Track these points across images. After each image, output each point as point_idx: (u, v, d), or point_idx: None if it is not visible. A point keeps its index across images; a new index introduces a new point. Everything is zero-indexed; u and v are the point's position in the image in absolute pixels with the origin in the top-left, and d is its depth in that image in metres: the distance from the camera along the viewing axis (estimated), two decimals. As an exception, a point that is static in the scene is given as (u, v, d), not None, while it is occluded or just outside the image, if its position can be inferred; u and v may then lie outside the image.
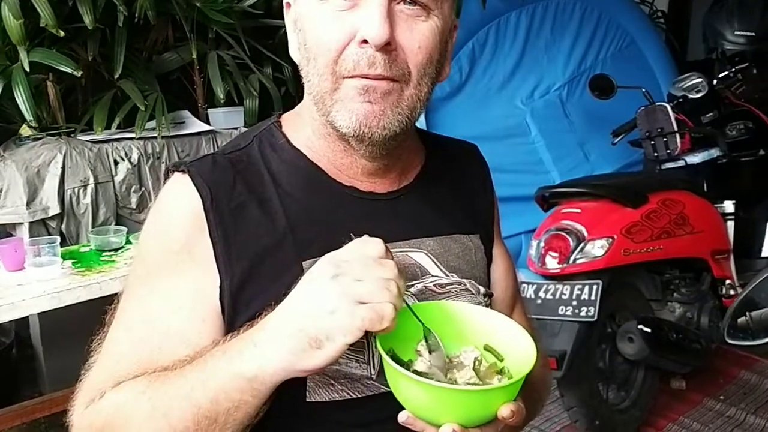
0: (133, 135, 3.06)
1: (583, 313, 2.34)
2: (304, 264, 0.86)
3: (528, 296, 2.45)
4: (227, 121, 3.43)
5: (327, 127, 0.88)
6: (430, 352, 0.78)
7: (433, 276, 0.93)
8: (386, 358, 0.72)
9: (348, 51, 0.82)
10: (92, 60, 3.10)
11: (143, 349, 0.83)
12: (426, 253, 0.94)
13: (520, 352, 0.78)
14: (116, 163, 2.99)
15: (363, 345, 0.86)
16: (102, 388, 0.82)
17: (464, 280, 0.96)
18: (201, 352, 0.79)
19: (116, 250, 2.65)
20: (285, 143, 0.94)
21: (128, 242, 2.68)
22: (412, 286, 0.91)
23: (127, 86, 3.09)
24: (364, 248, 0.73)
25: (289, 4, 0.90)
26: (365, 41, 0.80)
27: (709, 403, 2.85)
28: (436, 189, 0.92)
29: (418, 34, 0.83)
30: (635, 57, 3.99)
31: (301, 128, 0.94)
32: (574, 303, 2.37)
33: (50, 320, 2.84)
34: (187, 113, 3.43)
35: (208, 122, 3.43)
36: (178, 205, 0.88)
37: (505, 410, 0.71)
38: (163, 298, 0.85)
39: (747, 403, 2.84)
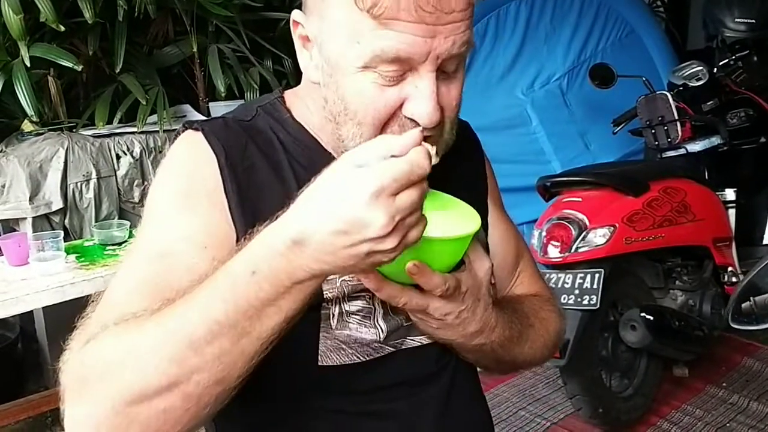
0: (134, 129, 3.07)
1: (585, 302, 2.35)
2: None
3: (530, 285, 2.45)
4: (228, 114, 3.43)
5: (344, 146, 0.86)
6: None
7: None
8: None
9: (396, 120, 0.82)
10: (93, 54, 3.12)
11: (154, 282, 0.77)
12: None
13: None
14: (118, 157, 3.00)
15: (371, 311, 0.89)
16: (106, 323, 0.73)
17: None
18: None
19: (120, 244, 2.66)
20: (290, 118, 0.94)
21: (131, 236, 2.69)
22: None
23: (128, 80, 3.10)
24: (386, 144, 0.65)
25: (297, 23, 0.86)
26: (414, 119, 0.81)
27: (711, 390, 2.86)
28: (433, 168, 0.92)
29: (454, 91, 0.84)
30: (635, 46, 3.98)
31: (307, 112, 0.94)
32: (577, 291, 2.38)
33: (55, 315, 2.85)
34: (188, 107, 3.45)
35: (208, 116, 3.44)
36: (194, 155, 0.86)
37: (410, 264, 0.74)
38: (177, 231, 0.81)
39: (750, 390, 2.85)
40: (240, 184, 0.86)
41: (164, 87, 3.23)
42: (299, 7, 0.88)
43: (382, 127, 0.82)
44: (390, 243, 0.63)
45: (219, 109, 3.45)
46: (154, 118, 3.13)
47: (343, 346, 0.87)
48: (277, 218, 0.68)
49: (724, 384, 2.89)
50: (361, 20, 0.76)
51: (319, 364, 0.87)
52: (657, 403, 2.75)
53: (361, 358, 0.89)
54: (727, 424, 2.65)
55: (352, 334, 0.88)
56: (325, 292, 0.85)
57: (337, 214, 0.62)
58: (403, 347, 0.91)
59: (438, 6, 0.75)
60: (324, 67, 0.83)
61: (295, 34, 0.87)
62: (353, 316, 0.88)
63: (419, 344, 0.92)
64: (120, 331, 0.71)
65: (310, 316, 0.81)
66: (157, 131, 3.09)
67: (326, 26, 0.81)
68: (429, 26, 0.76)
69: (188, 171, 0.87)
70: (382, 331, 0.89)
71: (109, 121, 3.10)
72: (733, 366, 3.01)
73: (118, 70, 3.07)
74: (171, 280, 0.77)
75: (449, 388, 0.95)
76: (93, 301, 0.82)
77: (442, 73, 0.81)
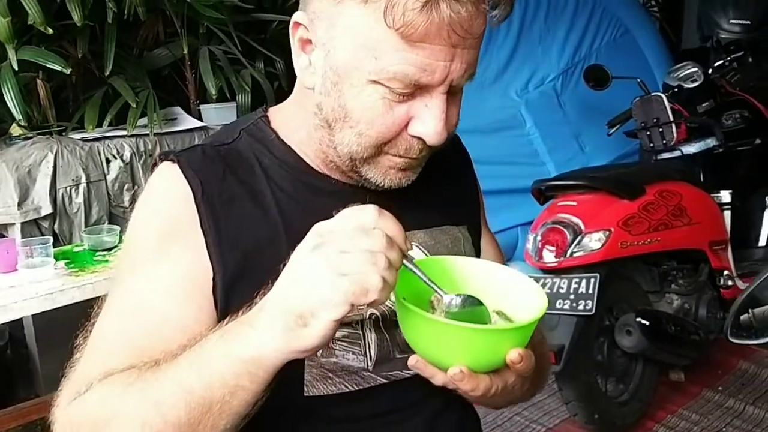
0: (124, 132, 3.03)
1: (581, 307, 2.33)
2: None
3: (525, 290, 2.43)
4: (219, 117, 3.40)
5: (335, 152, 0.86)
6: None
7: (423, 258, 0.93)
8: (398, 298, 0.71)
9: (400, 138, 0.82)
10: (82, 57, 3.08)
11: (135, 336, 0.79)
12: (417, 246, 0.94)
13: (529, 303, 0.77)
14: (108, 161, 2.97)
15: (359, 337, 0.86)
16: (89, 380, 0.77)
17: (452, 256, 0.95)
18: (195, 339, 0.75)
19: (109, 249, 2.63)
20: (275, 139, 0.92)
21: (121, 241, 2.65)
22: None
23: (118, 83, 3.06)
24: (352, 217, 0.68)
25: (298, 25, 0.83)
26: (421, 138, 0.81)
27: (708, 394, 2.85)
28: (423, 180, 0.90)
29: (456, 109, 0.84)
30: (630, 46, 3.96)
31: (293, 128, 0.92)
32: (572, 297, 2.35)
33: (45, 321, 2.82)
34: (178, 109, 3.41)
35: (200, 118, 3.41)
36: (169, 193, 0.86)
37: (513, 354, 0.70)
38: (156, 283, 0.82)
39: (746, 393, 2.83)
40: (218, 219, 0.84)
41: (155, 89, 3.19)
42: (293, 8, 0.85)
43: (387, 142, 0.82)
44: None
45: (210, 111, 3.42)
46: (144, 121, 3.09)
47: (330, 375, 0.85)
48: (260, 297, 0.71)
49: (720, 388, 2.88)
50: (385, 37, 0.74)
51: (305, 394, 0.84)
52: (653, 408, 2.73)
53: (350, 387, 0.86)
54: (723, 429, 2.64)
55: (339, 362, 0.85)
56: None
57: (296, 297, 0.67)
58: (397, 379, 0.89)
59: (470, 30, 0.75)
60: (327, 74, 0.81)
61: (294, 37, 0.84)
62: (339, 342, 0.85)
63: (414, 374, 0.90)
64: (106, 395, 0.73)
65: None
66: (148, 134, 3.05)
67: (338, 33, 0.78)
68: (451, 49, 0.75)
69: (164, 211, 0.85)
70: (371, 359, 0.87)
71: (99, 124, 3.06)
72: (729, 369, 2.99)
73: (107, 73, 3.03)
74: (151, 333, 0.79)
75: (442, 410, 0.93)
76: (83, 339, 0.84)
77: (453, 90, 0.81)
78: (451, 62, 0.76)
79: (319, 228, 0.68)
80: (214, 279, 0.83)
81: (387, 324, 0.87)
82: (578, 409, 2.51)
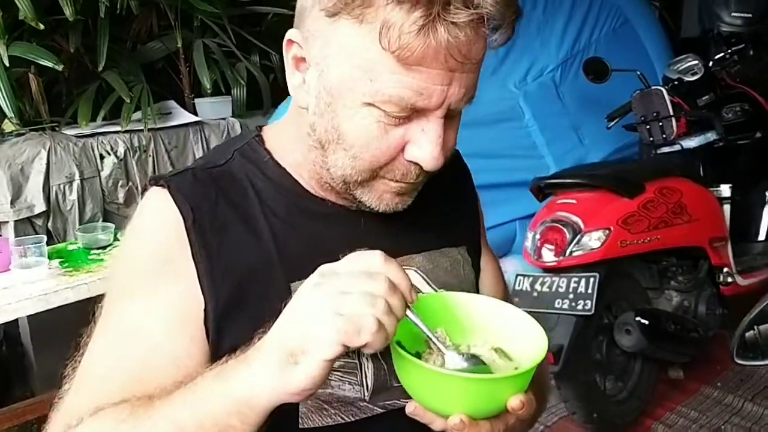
0: (118, 128, 3.00)
1: (580, 307, 2.31)
2: (293, 286, 0.82)
3: (524, 289, 2.41)
4: (215, 111, 3.37)
5: (329, 173, 0.83)
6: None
7: (423, 294, 0.90)
8: (394, 346, 0.69)
9: (396, 162, 0.80)
10: (75, 51, 3.04)
11: (126, 368, 0.78)
12: (416, 270, 0.92)
13: (530, 344, 0.75)
14: (102, 157, 2.93)
15: (355, 366, 0.84)
16: (80, 414, 0.75)
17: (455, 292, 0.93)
18: (190, 376, 0.74)
19: (104, 247, 2.60)
20: (270, 161, 0.89)
21: (116, 239, 2.63)
22: None
23: (111, 77, 3.02)
24: (358, 260, 0.67)
25: (291, 43, 0.80)
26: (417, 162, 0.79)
27: (706, 390, 2.84)
28: (422, 201, 0.88)
29: (454, 133, 0.82)
30: (629, 36, 3.92)
31: (288, 149, 0.89)
32: (571, 296, 2.33)
33: (40, 319, 2.79)
34: (173, 103, 3.38)
35: (195, 112, 3.37)
36: (159, 221, 0.83)
37: (514, 401, 0.68)
38: (146, 314, 0.80)
39: (744, 390, 2.82)
40: (210, 246, 0.81)
41: (149, 83, 3.14)
42: (286, 7, 0.82)
43: (382, 167, 0.80)
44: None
45: (205, 105, 3.38)
46: (138, 115, 3.05)
47: (326, 406, 0.83)
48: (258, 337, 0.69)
49: (718, 384, 2.87)
50: (380, 59, 0.72)
51: (300, 426, 0.82)
52: (651, 406, 2.72)
53: (346, 418, 0.84)
54: (722, 426, 2.63)
55: (335, 392, 0.83)
56: None
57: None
58: (394, 408, 0.86)
59: (468, 55, 0.72)
60: (321, 95, 0.78)
61: (288, 55, 0.81)
62: (335, 372, 0.83)
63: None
64: (97, 430, 0.72)
65: None
66: (142, 130, 3.02)
67: (332, 53, 0.76)
68: (449, 73, 0.73)
69: (153, 239, 0.83)
70: (368, 389, 0.85)
71: (93, 119, 3.02)
72: (727, 366, 2.98)
73: (101, 68, 2.99)
74: (141, 366, 0.77)
75: None
76: (71, 369, 0.83)
77: (450, 115, 0.78)
78: (449, 86, 0.74)
79: (324, 269, 0.67)
80: (205, 309, 0.80)
81: (384, 352, 0.85)
82: (577, 408, 2.50)
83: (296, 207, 0.88)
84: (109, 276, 0.88)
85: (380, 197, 0.83)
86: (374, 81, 0.73)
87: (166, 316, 0.80)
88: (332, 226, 0.88)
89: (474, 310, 0.80)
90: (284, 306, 0.68)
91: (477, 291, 1.01)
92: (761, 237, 3.16)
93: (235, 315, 0.81)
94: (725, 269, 2.78)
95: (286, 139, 0.89)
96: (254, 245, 0.84)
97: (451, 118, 0.79)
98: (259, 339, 0.69)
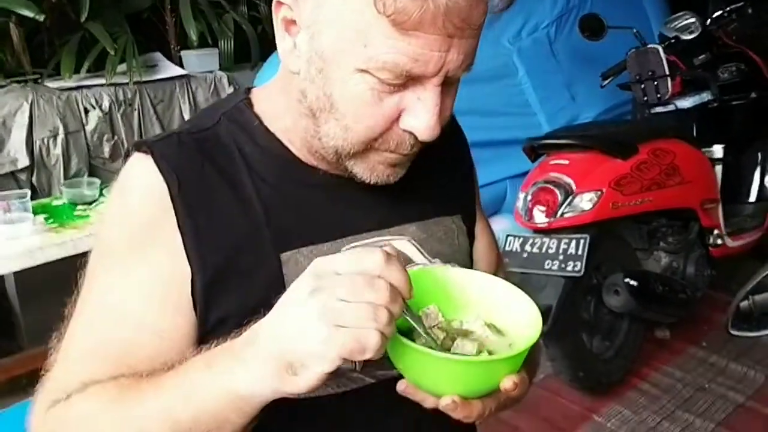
0: (103, 81, 2.93)
1: (569, 268, 2.30)
2: (283, 256, 0.80)
3: (514, 250, 2.40)
4: (201, 63, 3.29)
5: (320, 143, 0.80)
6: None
7: (417, 264, 0.89)
8: None
9: (391, 132, 0.76)
10: (57, 1, 2.94)
11: (112, 343, 0.76)
12: (409, 240, 0.89)
13: (523, 321, 0.74)
14: (86, 111, 2.88)
15: None
16: (66, 389, 0.74)
17: (448, 265, 0.91)
18: (179, 360, 0.72)
19: (90, 203, 2.56)
20: (258, 125, 0.85)
21: (102, 195, 2.59)
22: None
23: (94, 28, 2.94)
24: (357, 260, 0.62)
25: (281, 4, 0.76)
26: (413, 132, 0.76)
27: (691, 350, 2.87)
28: (416, 169, 0.85)
29: (451, 101, 0.79)
30: (625, -10, 3.85)
31: (278, 114, 0.85)
32: (561, 257, 2.33)
33: (26, 275, 2.77)
34: (159, 56, 3.30)
35: (181, 65, 3.30)
36: (142, 190, 0.80)
37: (507, 382, 0.67)
38: (131, 287, 0.78)
39: (728, 350, 2.85)
40: (196, 216, 0.78)
41: (134, 34, 3.06)
42: None
43: (377, 138, 0.76)
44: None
45: (191, 57, 3.31)
46: (123, 67, 2.98)
47: None
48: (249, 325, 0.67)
49: (704, 344, 2.90)
50: (375, 23, 0.68)
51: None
52: (637, 365, 2.75)
53: (338, 389, 0.83)
54: (707, 385, 2.67)
55: None
56: None
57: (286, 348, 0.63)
58: (386, 377, 0.85)
59: (468, 20, 0.68)
60: (313, 59, 0.74)
61: (278, 17, 0.77)
62: None
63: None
64: (86, 412, 0.71)
65: None
66: (127, 83, 2.95)
67: (324, 15, 0.72)
68: (447, 39, 0.69)
69: (137, 209, 0.80)
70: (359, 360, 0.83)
71: (76, 71, 2.95)
72: (712, 325, 3.00)
73: (84, 19, 2.90)
74: (128, 340, 0.76)
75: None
76: (57, 340, 0.81)
77: (448, 82, 0.75)
78: (447, 52, 0.70)
79: (319, 267, 0.63)
80: (193, 280, 0.78)
81: None
82: (563, 367, 2.52)
83: (286, 174, 0.84)
84: (93, 245, 0.84)
85: (372, 168, 0.80)
86: (368, 46, 0.69)
87: (151, 289, 0.77)
88: (323, 195, 0.86)
89: (467, 286, 0.79)
90: (276, 299, 0.65)
91: (471, 259, 0.99)
92: (752, 198, 3.16)
93: (223, 285, 0.78)
94: (715, 231, 2.79)
95: (276, 104, 0.85)
96: (242, 213, 0.81)
97: (448, 85, 0.75)
98: (247, 328, 0.67)
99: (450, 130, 0.99)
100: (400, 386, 0.70)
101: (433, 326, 0.73)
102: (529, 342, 0.69)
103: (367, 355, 0.61)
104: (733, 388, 2.64)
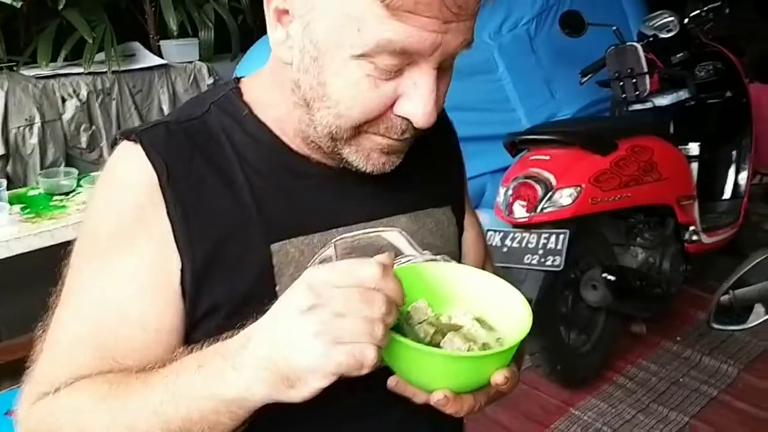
0: (81, 69, 2.88)
1: (549, 263, 2.32)
2: (273, 247, 0.80)
3: (494, 244, 2.42)
4: (181, 53, 3.26)
5: (315, 132, 0.79)
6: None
7: (407, 255, 0.89)
8: None
9: (383, 117, 0.75)
10: (33, -13, 2.89)
11: (99, 336, 0.76)
12: (400, 232, 0.89)
13: (512, 315, 0.74)
14: (63, 100, 2.83)
15: None
16: (54, 382, 0.74)
17: (438, 257, 0.92)
18: (169, 359, 0.72)
19: (67, 193, 2.53)
20: (249, 115, 0.85)
21: (79, 185, 2.56)
22: None
23: (72, 16, 2.89)
24: (352, 273, 0.62)
25: None
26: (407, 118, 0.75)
27: (666, 344, 2.91)
28: (407, 160, 0.85)
29: (445, 87, 0.78)
30: (604, -13, 3.88)
31: (270, 104, 0.84)
32: (541, 252, 2.35)
33: (2, 266, 2.73)
34: (137, 45, 3.26)
35: (160, 55, 3.26)
36: (131, 178, 0.79)
37: (499, 376, 0.68)
38: (118, 278, 0.77)
39: (702, 344, 2.90)
40: (186, 205, 0.77)
41: (112, 23, 3.02)
42: None
43: (369, 122, 0.76)
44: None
45: (171, 47, 3.27)
46: (101, 56, 2.94)
47: None
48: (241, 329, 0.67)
49: (678, 338, 2.95)
50: (368, 7, 0.67)
51: None
52: (613, 358, 2.79)
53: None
54: (681, 379, 2.71)
55: None
56: None
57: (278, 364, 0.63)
58: (379, 367, 0.85)
59: (463, 5, 0.68)
60: (307, 49, 0.74)
61: (269, 6, 0.76)
62: None
63: None
64: (75, 408, 0.71)
65: None
66: (105, 72, 2.91)
67: (318, 3, 0.71)
68: (443, 24, 0.68)
69: (125, 198, 0.78)
70: None
71: (53, 59, 2.90)
72: (687, 320, 3.06)
73: (61, 6, 2.85)
74: (115, 332, 0.75)
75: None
76: (42, 331, 0.80)
77: (443, 66, 0.74)
78: (444, 34, 0.69)
79: (315, 279, 0.63)
80: (182, 269, 0.77)
81: None
82: (541, 361, 2.54)
83: (277, 164, 0.84)
84: (78, 234, 0.82)
85: (368, 156, 0.79)
86: (362, 30, 0.69)
87: (140, 280, 0.77)
88: (315, 186, 0.85)
89: (456, 280, 0.79)
90: (269, 306, 0.66)
91: (460, 250, 1.00)
92: (726, 196, 3.22)
93: (213, 274, 0.78)
94: (691, 227, 2.83)
95: (267, 94, 0.85)
96: (232, 202, 0.80)
97: (443, 70, 0.75)
98: (240, 332, 0.67)
99: (439, 123, 1.00)
100: (391, 382, 0.71)
101: (423, 321, 0.74)
102: (520, 336, 0.69)
103: (364, 371, 0.62)
104: (706, 381, 2.69)
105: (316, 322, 0.61)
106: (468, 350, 0.70)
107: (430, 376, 0.67)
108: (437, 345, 0.71)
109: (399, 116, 0.75)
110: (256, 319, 0.66)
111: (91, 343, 0.75)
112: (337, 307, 0.61)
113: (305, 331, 0.61)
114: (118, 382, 0.70)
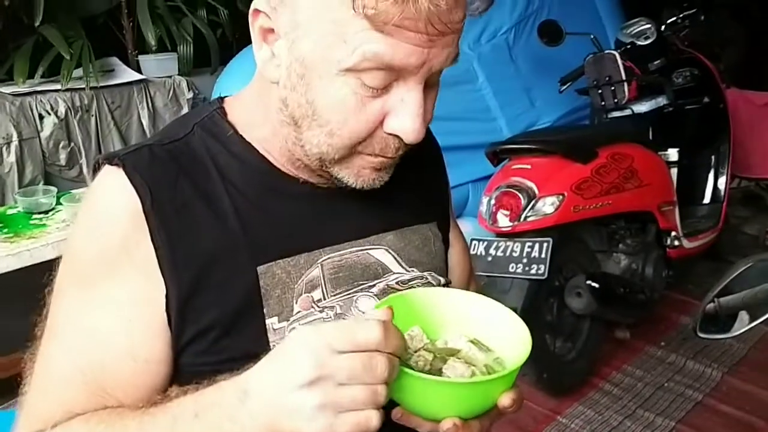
0: (58, 86, 2.86)
1: (533, 271, 2.33)
2: (259, 269, 0.79)
3: (479, 253, 2.42)
4: (160, 68, 3.24)
5: (302, 151, 0.79)
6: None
7: (394, 273, 0.89)
8: None
9: (375, 136, 0.75)
10: (9, 4, 2.86)
11: (89, 369, 0.75)
12: (387, 250, 0.89)
13: (507, 334, 0.74)
14: (41, 117, 2.81)
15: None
16: (48, 420, 0.74)
17: (425, 273, 0.92)
18: (162, 400, 0.72)
19: (46, 212, 2.50)
20: (233, 135, 0.84)
21: (59, 203, 2.53)
22: (374, 285, 0.87)
23: (49, 33, 2.87)
24: (356, 337, 0.62)
25: (258, 13, 0.75)
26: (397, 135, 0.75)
27: (650, 350, 2.92)
28: (393, 177, 0.85)
29: (432, 103, 0.78)
30: (582, -2, 3.92)
31: (254, 123, 0.84)
32: (525, 260, 2.35)
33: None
34: (116, 60, 3.24)
35: (139, 70, 3.24)
36: (114, 204, 0.78)
37: (506, 400, 0.68)
38: (103, 309, 0.76)
39: (686, 348, 2.92)
40: (170, 231, 0.77)
41: (89, 39, 3.00)
42: None
43: (361, 142, 0.76)
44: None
45: (150, 62, 3.25)
46: (79, 72, 2.91)
47: None
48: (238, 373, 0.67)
49: (662, 343, 2.96)
50: (354, 22, 0.68)
51: None
52: (598, 365, 2.79)
53: None
54: (665, 384, 2.72)
55: None
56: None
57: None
58: None
59: (448, 23, 0.69)
60: (293, 66, 0.73)
61: (254, 26, 0.76)
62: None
63: None
64: None
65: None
66: (83, 88, 2.88)
67: (303, 20, 0.71)
68: (428, 37, 0.68)
69: (109, 225, 0.77)
70: None
71: (30, 76, 2.87)
72: (671, 325, 3.08)
73: (38, 23, 2.83)
74: (103, 365, 0.75)
75: None
76: (29, 360, 0.80)
77: (430, 83, 0.75)
78: (430, 49, 0.70)
79: (314, 343, 0.62)
80: (167, 295, 0.76)
81: None
82: (527, 369, 2.54)
83: (263, 185, 0.83)
84: (62, 261, 0.81)
85: (358, 173, 0.79)
86: (348, 44, 0.69)
87: (124, 311, 0.76)
88: (301, 206, 0.85)
89: (447, 304, 0.79)
90: (264, 354, 0.65)
91: (446, 265, 1.00)
92: (706, 200, 3.25)
93: (199, 299, 0.77)
94: (673, 233, 2.85)
95: (252, 113, 0.84)
96: (218, 226, 0.79)
97: (430, 86, 0.75)
98: (235, 377, 0.67)
99: (425, 137, 1.00)
100: (396, 414, 0.70)
101: (420, 348, 0.73)
102: (522, 356, 0.69)
103: None
104: (691, 386, 2.70)
105: (320, 394, 0.61)
106: (472, 374, 0.70)
107: (438, 406, 0.67)
108: (438, 371, 0.71)
109: (389, 134, 0.75)
110: (248, 353, 0.67)
111: (82, 378, 0.75)
112: (340, 378, 0.61)
113: (309, 404, 0.61)
114: (113, 423, 0.70)
